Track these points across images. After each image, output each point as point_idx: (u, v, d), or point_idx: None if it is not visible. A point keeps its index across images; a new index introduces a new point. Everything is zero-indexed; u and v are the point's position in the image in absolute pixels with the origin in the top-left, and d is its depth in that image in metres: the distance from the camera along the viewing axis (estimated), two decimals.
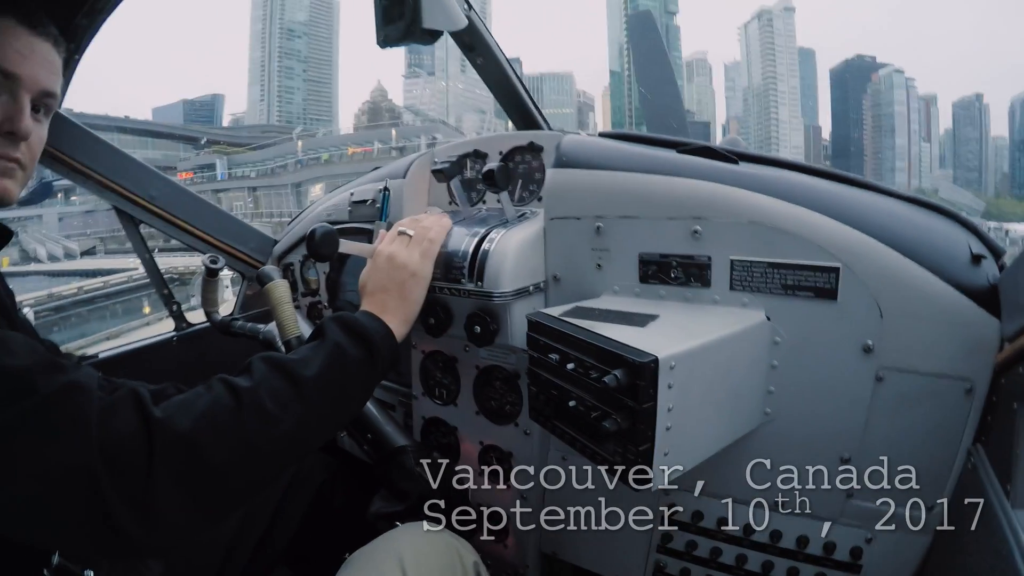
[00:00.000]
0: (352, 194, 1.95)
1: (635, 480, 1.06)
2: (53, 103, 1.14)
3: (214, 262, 1.88)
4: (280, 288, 1.54)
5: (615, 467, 1.10)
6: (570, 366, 1.13)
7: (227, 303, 2.52)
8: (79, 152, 2.03)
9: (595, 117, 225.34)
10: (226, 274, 2.53)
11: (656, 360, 1.01)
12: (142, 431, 0.93)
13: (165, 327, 2.44)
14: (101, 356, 2.19)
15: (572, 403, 1.13)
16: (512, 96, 1.86)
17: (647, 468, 1.05)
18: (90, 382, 0.95)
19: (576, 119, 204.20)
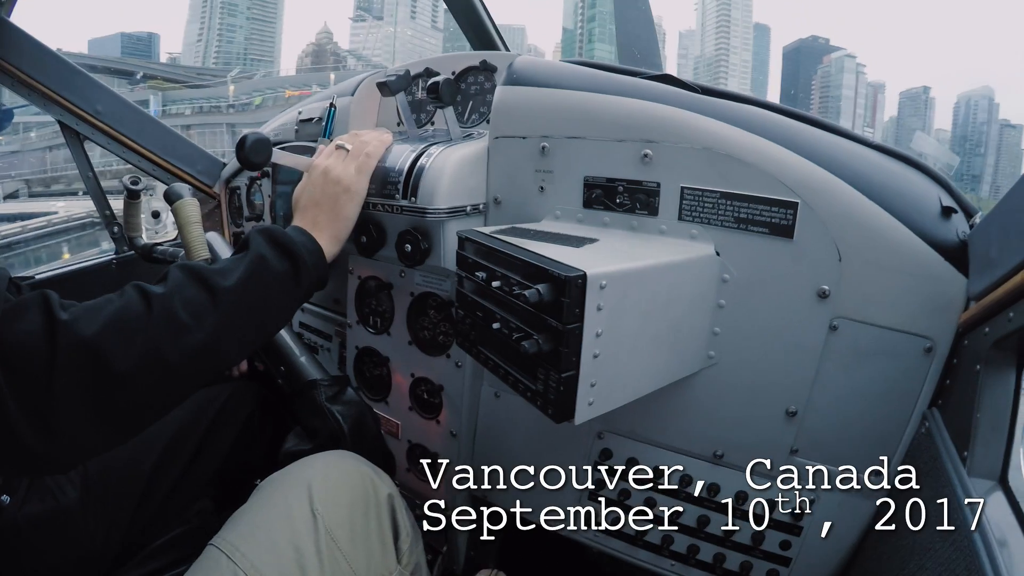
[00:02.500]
0: (300, 112, 1.86)
1: (555, 412, 0.98)
2: None
3: (135, 183, 1.80)
4: (188, 207, 1.46)
5: (537, 397, 1.02)
6: (496, 284, 1.04)
7: None
8: (25, 62, 1.95)
9: None
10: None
11: (584, 276, 0.92)
12: (45, 334, 0.86)
13: None
14: (37, 278, 2.12)
15: (496, 325, 1.05)
16: (469, 13, 1.77)
17: (571, 399, 0.97)
18: None
19: None
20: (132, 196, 1.82)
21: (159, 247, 1.87)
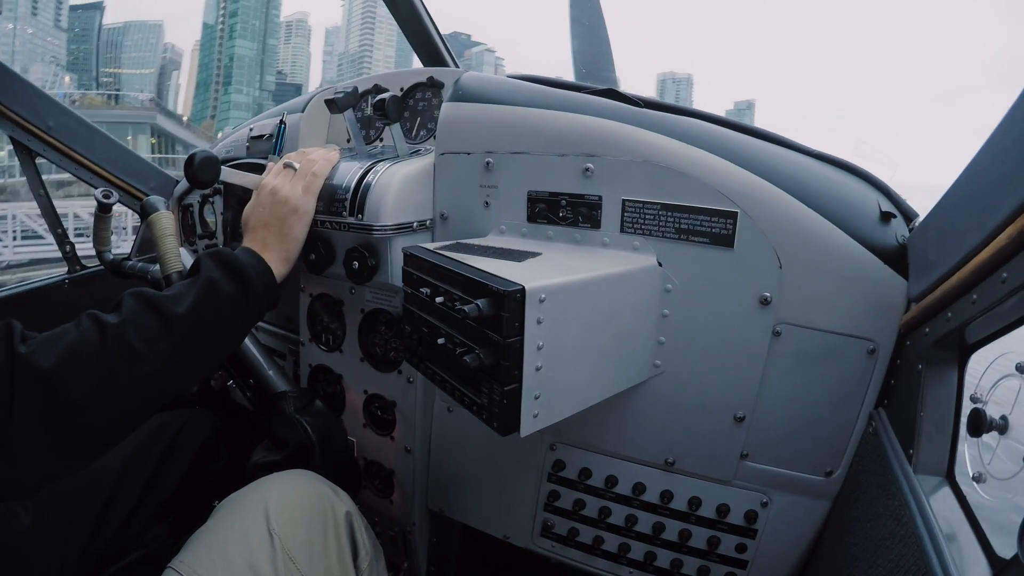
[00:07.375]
0: (251, 129, 1.85)
1: (500, 425, 0.98)
2: None
3: (107, 196, 1.77)
4: (164, 220, 1.45)
5: (482, 411, 1.02)
6: (439, 299, 1.04)
7: None
8: None
9: (180, 76, 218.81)
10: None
11: (522, 290, 0.92)
12: (6, 367, 0.88)
13: None
14: None
15: (441, 340, 1.05)
16: (418, 29, 1.78)
17: (515, 411, 0.97)
18: None
19: (156, 79, 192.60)
20: (103, 210, 1.78)
21: (127, 262, 1.84)
